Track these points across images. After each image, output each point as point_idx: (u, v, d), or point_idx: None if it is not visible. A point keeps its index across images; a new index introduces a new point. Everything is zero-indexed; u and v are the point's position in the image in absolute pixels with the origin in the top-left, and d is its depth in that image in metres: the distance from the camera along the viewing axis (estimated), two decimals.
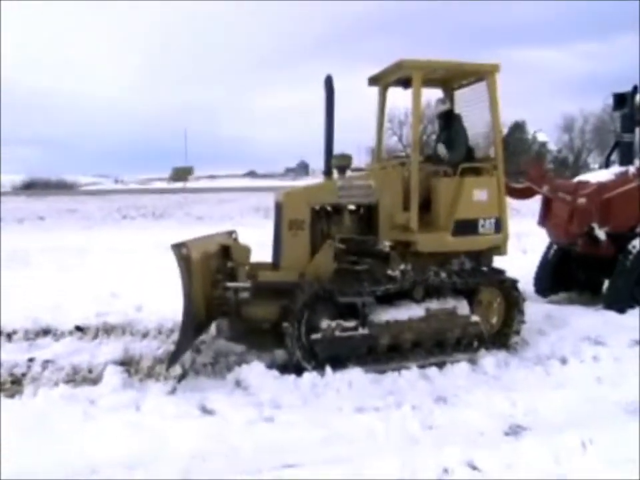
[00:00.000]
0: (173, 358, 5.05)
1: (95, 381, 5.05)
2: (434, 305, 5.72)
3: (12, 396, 4.76)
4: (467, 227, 6.07)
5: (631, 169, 7.87)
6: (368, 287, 5.49)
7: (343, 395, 4.84)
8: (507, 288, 6.07)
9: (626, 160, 8.23)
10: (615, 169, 8.15)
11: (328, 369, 5.15)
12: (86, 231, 17.48)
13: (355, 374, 5.13)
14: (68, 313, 7.02)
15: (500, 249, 6.36)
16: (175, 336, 6.27)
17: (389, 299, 5.66)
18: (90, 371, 5.34)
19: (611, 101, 8.60)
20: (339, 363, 5.27)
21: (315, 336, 5.30)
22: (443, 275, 5.77)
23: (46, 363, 5.47)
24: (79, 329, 6.57)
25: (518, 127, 47.06)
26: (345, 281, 5.57)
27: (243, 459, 3.82)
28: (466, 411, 4.54)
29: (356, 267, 5.83)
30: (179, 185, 47.09)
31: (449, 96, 7.06)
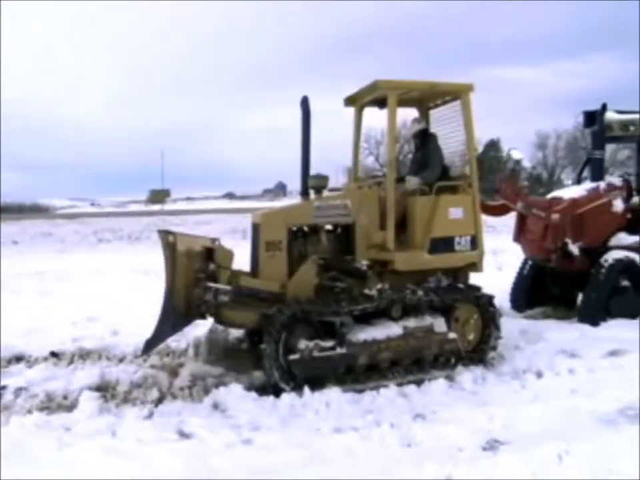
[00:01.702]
0: (148, 345, 5.05)
1: (70, 408, 4.96)
2: (411, 323, 5.74)
3: None
4: (443, 245, 6.15)
5: (602, 185, 8.04)
6: (345, 307, 5.50)
7: (322, 415, 4.82)
8: (483, 304, 6.12)
9: (597, 176, 8.41)
10: (587, 185, 8.31)
11: (306, 390, 5.13)
12: (61, 255, 17.31)
13: (333, 394, 5.12)
14: (43, 339, 6.91)
15: (476, 266, 6.43)
16: (152, 360, 6.25)
17: (366, 318, 5.67)
18: (65, 397, 5.24)
19: (581, 118, 8.80)
20: (317, 383, 5.25)
21: (292, 357, 5.28)
22: (419, 292, 5.79)
23: (19, 391, 5.35)
24: (54, 354, 6.47)
25: (493, 145, 47.75)
26: (323, 301, 5.59)
27: None
28: (444, 427, 4.55)
29: (335, 285, 5.85)
30: (156, 207, 46.92)
31: (424, 115, 7.16)
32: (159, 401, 5.12)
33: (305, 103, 6.22)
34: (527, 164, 49.37)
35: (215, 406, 4.94)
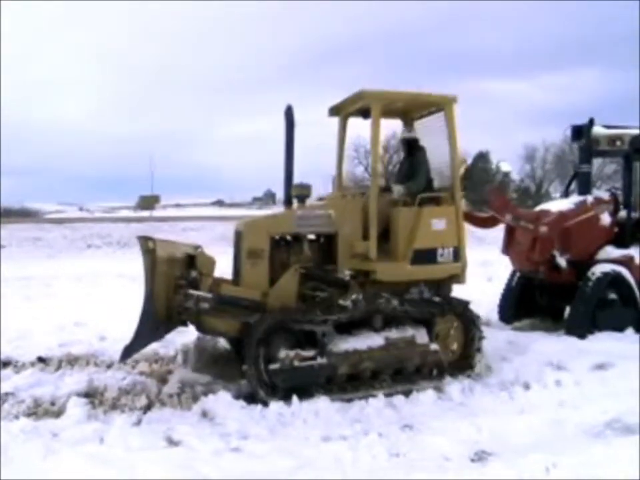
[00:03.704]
0: (127, 351, 5.03)
1: (58, 414, 4.93)
2: (393, 333, 5.73)
3: None
4: (425, 256, 6.14)
5: (589, 199, 8.12)
6: (320, 316, 5.48)
7: (310, 424, 4.83)
8: (461, 313, 6.14)
9: (584, 189, 8.48)
10: (574, 199, 8.39)
11: (294, 399, 5.13)
12: (50, 260, 17.21)
13: (321, 403, 5.13)
14: (30, 344, 6.87)
15: (459, 278, 6.42)
16: (141, 366, 6.23)
17: (348, 328, 5.67)
18: (52, 403, 5.20)
19: (569, 132, 8.89)
20: (298, 393, 5.22)
21: (273, 366, 5.27)
22: (394, 302, 5.78)
23: (6, 396, 5.31)
24: (41, 360, 6.43)
25: (482, 157, 48.08)
26: (303, 310, 5.58)
27: None
28: (432, 437, 4.58)
29: (316, 295, 5.82)
30: (145, 213, 46.76)
31: (409, 126, 7.17)
32: (148, 407, 5.10)
33: (289, 112, 6.23)
34: (515, 176, 49.95)
35: (204, 414, 4.94)
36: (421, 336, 5.83)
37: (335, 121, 7.35)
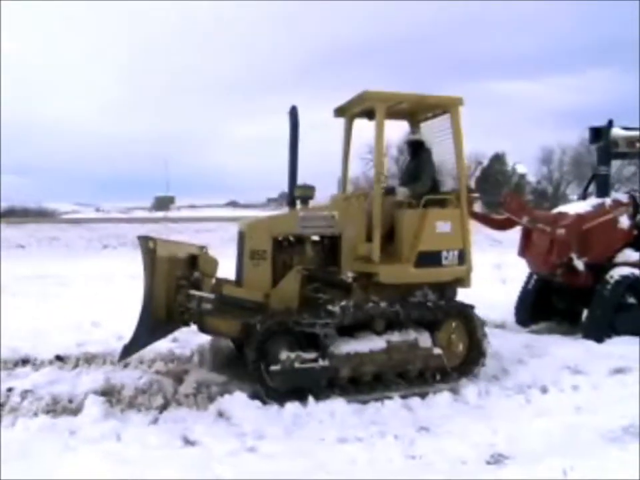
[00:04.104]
0: (126, 351, 5.06)
1: (76, 412, 4.97)
2: (395, 337, 5.68)
3: None
4: (429, 259, 6.05)
5: (608, 201, 8.06)
6: (325, 319, 5.45)
7: (326, 425, 4.83)
8: (463, 314, 6.06)
9: (602, 192, 8.42)
10: (593, 201, 8.32)
11: (310, 399, 5.14)
12: (66, 260, 17.32)
13: (337, 404, 5.13)
14: (48, 342, 6.93)
15: (464, 281, 6.32)
16: (157, 365, 6.27)
17: (350, 331, 5.63)
18: (70, 401, 5.25)
19: (587, 134, 8.82)
20: (298, 394, 5.20)
21: (273, 367, 5.24)
22: (382, 305, 5.70)
23: (25, 393, 5.37)
24: (59, 358, 6.50)
25: (498, 159, 47.81)
26: (305, 312, 5.53)
27: None
28: (448, 440, 4.57)
29: (319, 297, 5.78)
30: (160, 214, 47.05)
31: (416, 128, 7.10)
32: (164, 407, 5.14)
33: (293, 113, 6.19)
34: (531, 178, 49.61)
35: (220, 414, 4.96)
36: (424, 340, 5.78)
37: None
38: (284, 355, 5.27)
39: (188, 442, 4.48)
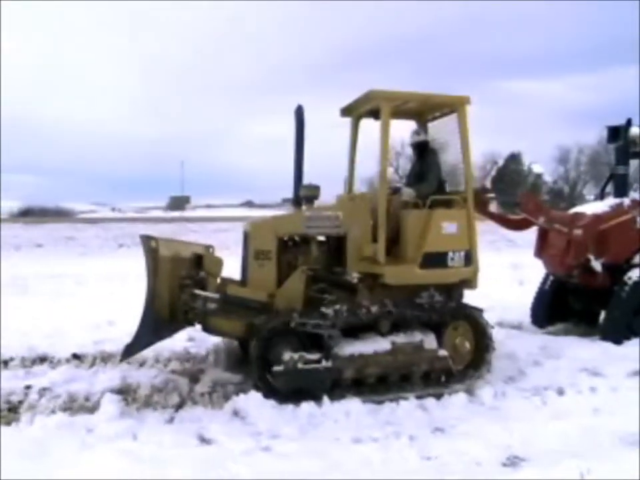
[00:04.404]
0: (128, 350, 5.09)
1: (92, 410, 5.02)
2: (400, 338, 5.62)
3: (9, 424, 4.73)
4: (435, 260, 5.99)
5: (626, 201, 7.97)
6: (330, 319, 5.41)
7: (341, 425, 4.83)
8: (469, 316, 5.99)
9: (620, 192, 8.33)
10: (610, 201, 8.24)
11: (325, 399, 5.14)
12: (83, 259, 17.49)
13: (352, 404, 5.13)
14: (65, 341, 7.01)
15: (470, 283, 6.25)
16: (173, 364, 6.30)
17: (355, 332, 5.59)
18: (87, 399, 5.31)
19: (605, 133, 8.74)
20: (301, 395, 5.17)
21: (276, 368, 5.22)
22: (373, 309, 5.61)
23: (43, 391, 5.44)
24: (76, 356, 6.57)
25: (514, 159, 47.51)
26: (309, 313, 5.49)
27: None
28: (464, 441, 4.54)
29: (324, 297, 5.74)
30: (175, 213, 47.29)
31: (423, 128, 7.03)
32: (180, 406, 5.17)
33: (299, 112, 6.17)
34: (548, 178, 49.25)
35: (235, 413, 4.97)
36: (429, 341, 5.71)
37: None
38: (287, 355, 5.25)
39: (203, 441, 4.50)
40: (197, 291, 5.45)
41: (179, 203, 63.14)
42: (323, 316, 5.43)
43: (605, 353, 6.73)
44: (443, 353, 5.73)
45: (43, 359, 6.51)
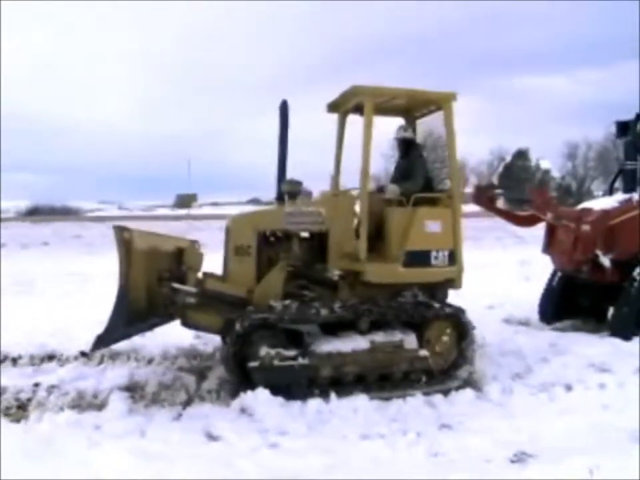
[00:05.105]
0: (98, 340, 5.00)
1: (100, 407, 5.04)
2: (380, 337, 5.52)
3: (18, 421, 4.75)
4: (418, 258, 5.89)
5: (635, 196, 7.92)
6: (308, 316, 5.38)
7: (348, 422, 4.82)
8: (451, 317, 5.82)
9: (629, 187, 8.28)
10: (619, 196, 8.20)
11: (333, 396, 5.13)
12: (90, 257, 17.55)
13: (359, 401, 5.13)
14: (73, 339, 7.03)
15: (454, 282, 6.12)
16: (180, 362, 6.32)
17: (334, 329, 5.53)
18: (95, 397, 5.33)
19: (613, 128, 8.69)
20: (278, 391, 5.12)
21: (252, 364, 5.18)
22: (324, 312, 5.45)
23: (51, 388, 5.48)
24: (84, 354, 6.58)
25: (521, 154, 47.38)
26: (288, 309, 5.41)
27: None
28: (471, 438, 4.53)
29: (303, 294, 5.72)
30: (182, 211, 47.38)
31: (412, 125, 6.89)
32: (187, 403, 5.18)
33: (283, 108, 6.12)
34: (555, 174, 49.09)
35: (243, 410, 4.96)
36: (410, 341, 5.59)
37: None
38: (263, 351, 5.19)
39: (211, 438, 4.50)
40: (176, 285, 5.41)
41: (185, 201, 63.22)
42: (301, 312, 5.39)
43: (613, 349, 6.69)
44: (423, 353, 5.61)
45: (51, 357, 6.54)
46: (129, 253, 5.05)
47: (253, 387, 5.13)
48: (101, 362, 6.37)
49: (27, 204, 49.88)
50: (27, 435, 4.39)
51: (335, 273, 5.81)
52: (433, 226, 5.96)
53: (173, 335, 6.50)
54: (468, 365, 5.80)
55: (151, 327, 6.00)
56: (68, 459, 4.00)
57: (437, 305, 5.79)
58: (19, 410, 5.07)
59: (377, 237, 6.02)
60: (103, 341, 5.05)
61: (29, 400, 5.27)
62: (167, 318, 5.83)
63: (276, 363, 5.20)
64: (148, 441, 4.38)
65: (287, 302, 5.47)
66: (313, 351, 5.33)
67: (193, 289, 5.44)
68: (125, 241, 5.03)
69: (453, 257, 6.02)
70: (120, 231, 5.03)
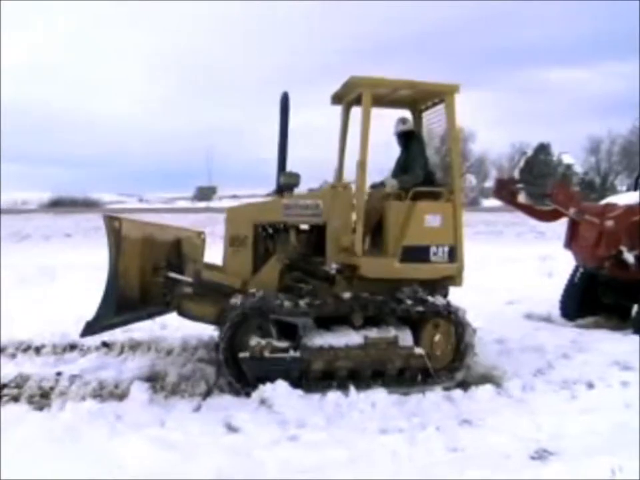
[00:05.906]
0: (88, 327, 4.98)
1: (121, 397, 5.10)
2: (373, 333, 5.43)
3: (41, 409, 4.82)
4: (416, 254, 5.76)
5: None
6: (302, 309, 5.33)
7: (367, 416, 4.82)
8: (448, 314, 5.66)
9: None
10: None
11: (352, 389, 5.12)
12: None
13: (379, 395, 5.12)
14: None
15: (454, 279, 5.98)
16: (200, 353, 6.36)
17: (328, 323, 5.48)
18: (116, 387, 5.39)
19: (638, 122, 8.55)
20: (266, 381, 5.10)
21: (242, 354, 5.15)
22: (288, 305, 5.36)
23: (73, 378, 5.55)
24: (105, 344, 6.66)
25: (543, 149, 46.85)
26: (282, 300, 5.37)
27: (267, 478, 3.82)
28: (491, 434, 4.50)
29: (299, 286, 5.68)
30: (202, 204, 47.59)
31: (417, 117, 6.78)
32: (207, 394, 5.21)
33: (284, 100, 6.08)
34: (578, 169, 48.45)
35: (262, 402, 4.98)
36: (405, 338, 5.49)
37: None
38: (254, 341, 5.17)
39: (230, 429, 4.52)
40: (171, 274, 5.41)
41: (205, 193, 63.48)
42: (296, 304, 5.35)
43: (637, 347, 6.58)
44: (419, 351, 5.50)
45: (73, 347, 6.62)
46: (119, 242, 5.03)
47: (246, 380, 5.16)
48: (121, 352, 6.45)
49: (50, 196, 50.41)
50: (50, 422, 4.45)
51: (332, 267, 5.77)
52: (433, 220, 5.83)
53: (193, 326, 6.53)
54: (465, 366, 5.68)
55: (148, 316, 6.03)
56: (90, 447, 4.05)
57: (431, 302, 5.62)
58: (42, 398, 5.13)
59: (377, 232, 5.98)
60: (91, 328, 5.02)
61: (52, 389, 5.34)
62: (163, 308, 5.85)
63: (266, 354, 5.16)
64: (168, 431, 4.41)
65: (272, 292, 5.47)
66: (304, 344, 5.27)
67: (188, 279, 5.45)
68: (114, 229, 5.02)
69: (454, 254, 5.89)
70: (110, 220, 5.02)
